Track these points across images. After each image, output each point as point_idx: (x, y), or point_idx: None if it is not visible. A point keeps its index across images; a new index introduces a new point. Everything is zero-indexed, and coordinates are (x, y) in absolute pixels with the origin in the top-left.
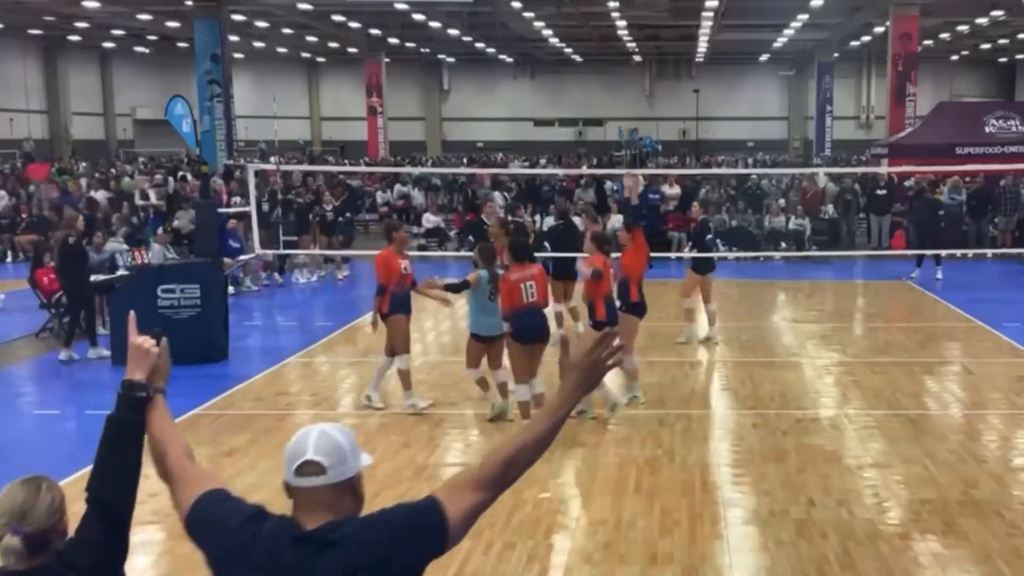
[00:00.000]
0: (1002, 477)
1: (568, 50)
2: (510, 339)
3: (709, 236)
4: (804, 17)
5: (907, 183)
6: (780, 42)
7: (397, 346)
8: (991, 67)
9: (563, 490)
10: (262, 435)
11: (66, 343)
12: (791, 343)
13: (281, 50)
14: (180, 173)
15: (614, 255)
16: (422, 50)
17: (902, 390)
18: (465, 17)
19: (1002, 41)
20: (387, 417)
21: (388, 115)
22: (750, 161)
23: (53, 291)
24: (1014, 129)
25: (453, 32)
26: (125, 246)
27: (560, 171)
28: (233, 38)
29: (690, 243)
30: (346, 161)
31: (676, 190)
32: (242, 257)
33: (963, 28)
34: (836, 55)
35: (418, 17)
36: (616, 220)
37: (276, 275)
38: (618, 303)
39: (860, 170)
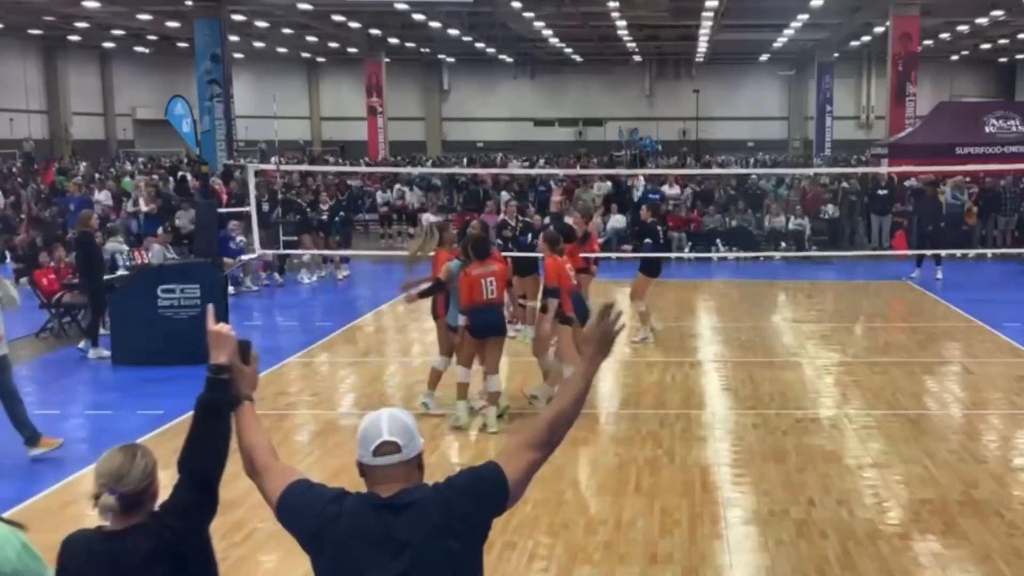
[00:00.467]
0: (1002, 477)
1: (568, 50)
2: (464, 331)
3: (648, 241)
4: (804, 17)
5: (907, 183)
6: (780, 42)
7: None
8: (991, 67)
9: (563, 490)
10: None
11: (92, 341)
12: (791, 343)
13: (281, 50)
14: (180, 173)
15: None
16: (422, 50)
17: (902, 390)
18: (465, 17)
19: (1002, 41)
20: None
21: (388, 115)
22: (750, 161)
23: (53, 292)
24: (1014, 129)
25: (453, 32)
26: (125, 246)
27: (560, 171)
28: (233, 38)
29: (629, 246)
30: (346, 161)
31: (676, 190)
32: (243, 257)
33: (963, 28)
34: (836, 55)
35: (418, 17)
36: (617, 220)
37: (276, 275)
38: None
39: (860, 170)
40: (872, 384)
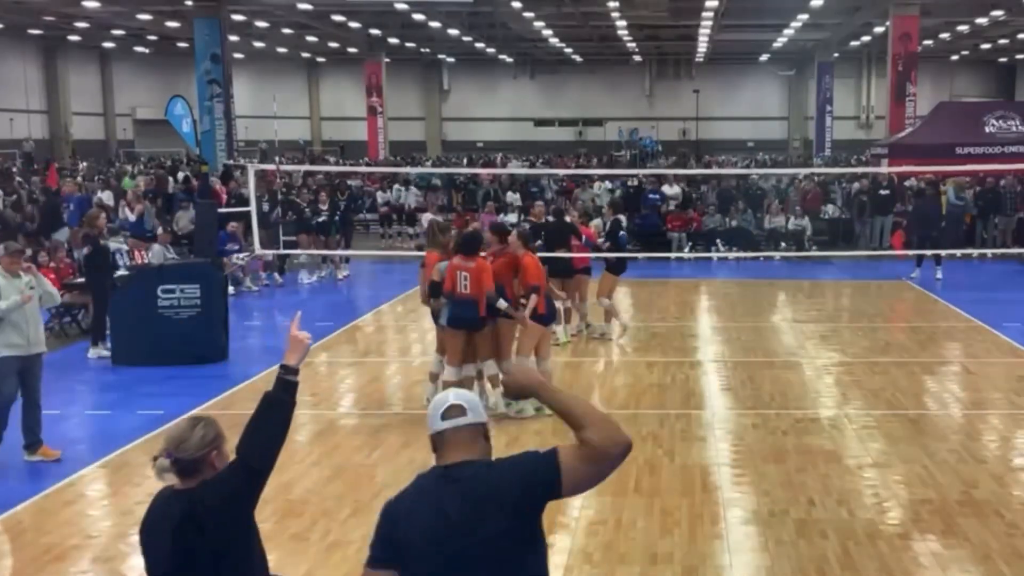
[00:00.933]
0: (1002, 477)
1: (568, 50)
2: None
3: (622, 233)
4: (804, 17)
5: (907, 183)
6: (780, 42)
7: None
8: (991, 67)
9: None
10: None
11: (94, 341)
12: (791, 343)
13: (281, 50)
14: (182, 174)
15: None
16: (422, 50)
17: (902, 390)
18: (465, 17)
19: (1002, 41)
20: (387, 417)
21: (388, 115)
22: (749, 163)
23: None
24: (1014, 129)
25: (453, 32)
26: (125, 246)
27: (560, 171)
28: (233, 38)
29: (608, 243)
30: (346, 161)
31: (676, 190)
32: (236, 257)
33: (963, 28)
34: (836, 55)
35: (418, 17)
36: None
37: (276, 275)
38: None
39: (860, 170)
40: (872, 384)
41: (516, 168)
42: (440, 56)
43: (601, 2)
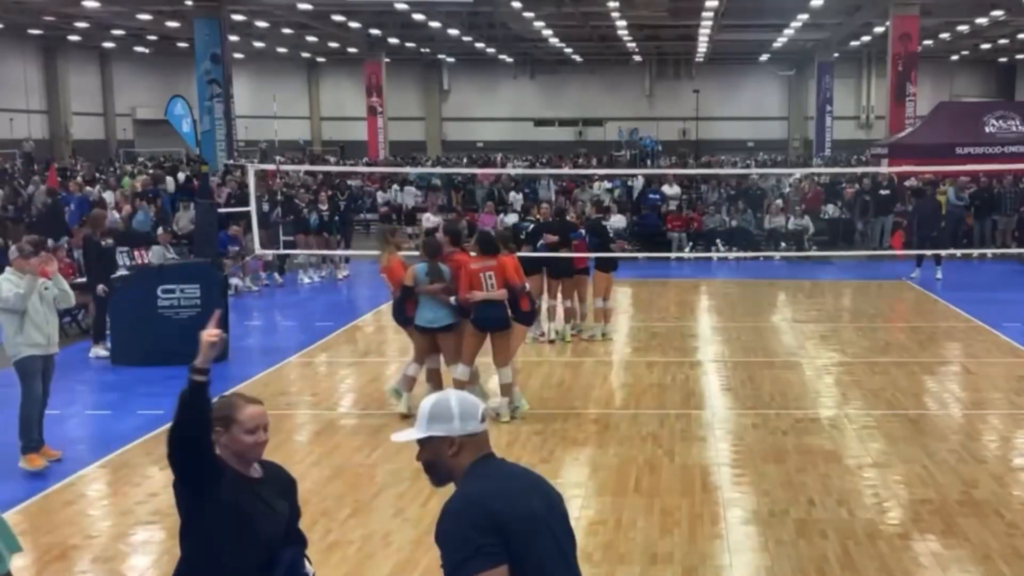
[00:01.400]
0: (1002, 477)
1: (568, 50)
2: (469, 324)
3: (603, 235)
4: (804, 17)
5: (907, 183)
6: (780, 42)
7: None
8: (991, 67)
9: (563, 490)
10: None
11: (95, 340)
12: (791, 343)
13: (281, 50)
14: (182, 174)
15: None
16: (422, 50)
17: (902, 390)
18: (465, 17)
19: (1002, 41)
20: (387, 417)
21: (388, 115)
22: (750, 162)
23: None
24: (1014, 129)
25: (453, 32)
26: (125, 246)
27: (560, 171)
28: (233, 38)
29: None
30: (346, 161)
31: (676, 190)
32: (228, 259)
33: (963, 28)
34: (836, 55)
35: (418, 17)
36: (617, 220)
37: (276, 275)
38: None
39: (860, 170)
40: (872, 384)
41: (514, 168)
42: (440, 56)
43: (601, 2)
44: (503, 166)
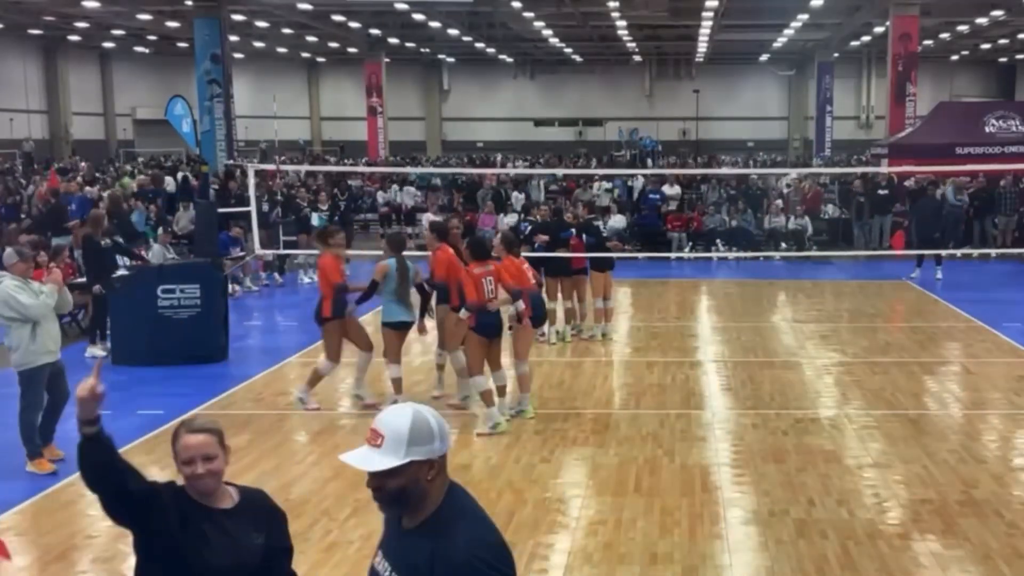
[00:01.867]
0: (1002, 477)
1: (568, 50)
2: (471, 332)
3: (597, 234)
4: (804, 17)
5: (907, 183)
6: (780, 42)
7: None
8: (991, 67)
9: (563, 490)
10: (262, 435)
11: (92, 340)
12: (791, 343)
13: (281, 50)
14: (180, 174)
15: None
16: (422, 50)
17: (902, 390)
18: (465, 17)
19: (1002, 41)
20: None
21: (388, 115)
22: (751, 162)
23: None
24: (1014, 129)
25: (453, 32)
26: (123, 255)
27: (560, 171)
28: (233, 38)
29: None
30: (346, 161)
31: (676, 190)
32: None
33: (963, 28)
34: (836, 55)
35: (418, 17)
36: (618, 220)
37: (276, 275)
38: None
39: (860, 170)
40: (872, 384)
41: (514, 168)
42: (440, 56)
43: (601, 2)
44: (503, 166)
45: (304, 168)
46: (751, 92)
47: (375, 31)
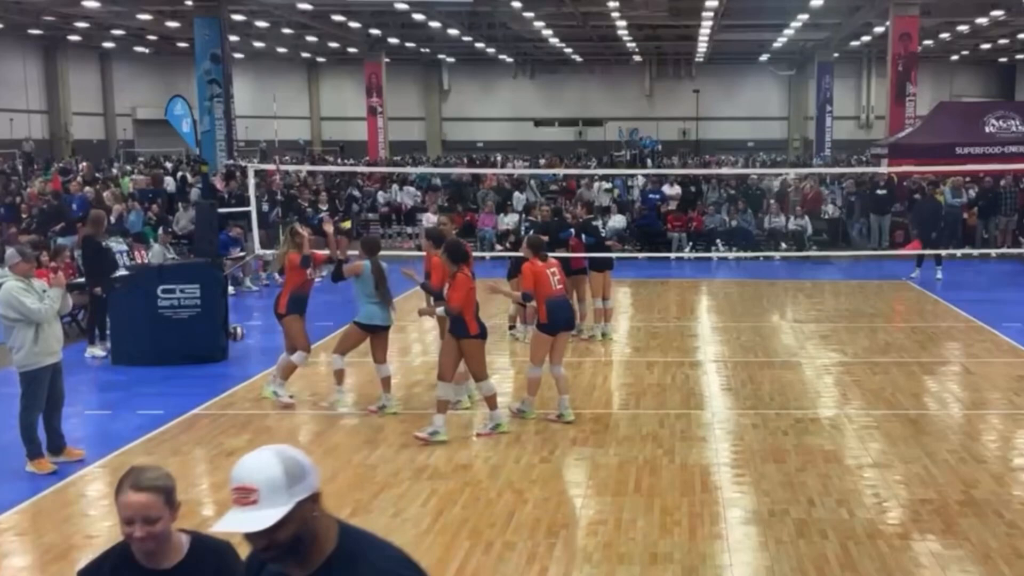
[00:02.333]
0: (1002, 477)
1: (568, 50)
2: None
3: (596, 234)
4: (804, 17)
5: (906, 183)
6: (780, 42)
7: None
8: (991, 67)
9: (563, 490)
10: (262, 435)
11: (91, 340)
12: (791, 343)
13: (281, 50)
14: (180, 174)
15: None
16: (422, 50)
17: (902, 390)
18: (465, 17)
19: (1002, 41)
20: (386, 418)
21: (388, 115)
22: (752, 162)
23: None
24: (1014, 129)
25: (453, 32)
26: (125, 246)
27: (561, 171)
28: (233, 38)
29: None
30: (346, 161)
31: (676, 190)
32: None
33: (963, 28)
34: (836, 55)
35: (418, 17)
36: (618, 220)
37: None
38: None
39: (860, 170)
40: (872, 384)
41: (514, 168)
42: (440, 56)
43: (601, 2)
44: (503, 166)
45: (305, 168)
46: (751, 92)
47: (375, 31)
